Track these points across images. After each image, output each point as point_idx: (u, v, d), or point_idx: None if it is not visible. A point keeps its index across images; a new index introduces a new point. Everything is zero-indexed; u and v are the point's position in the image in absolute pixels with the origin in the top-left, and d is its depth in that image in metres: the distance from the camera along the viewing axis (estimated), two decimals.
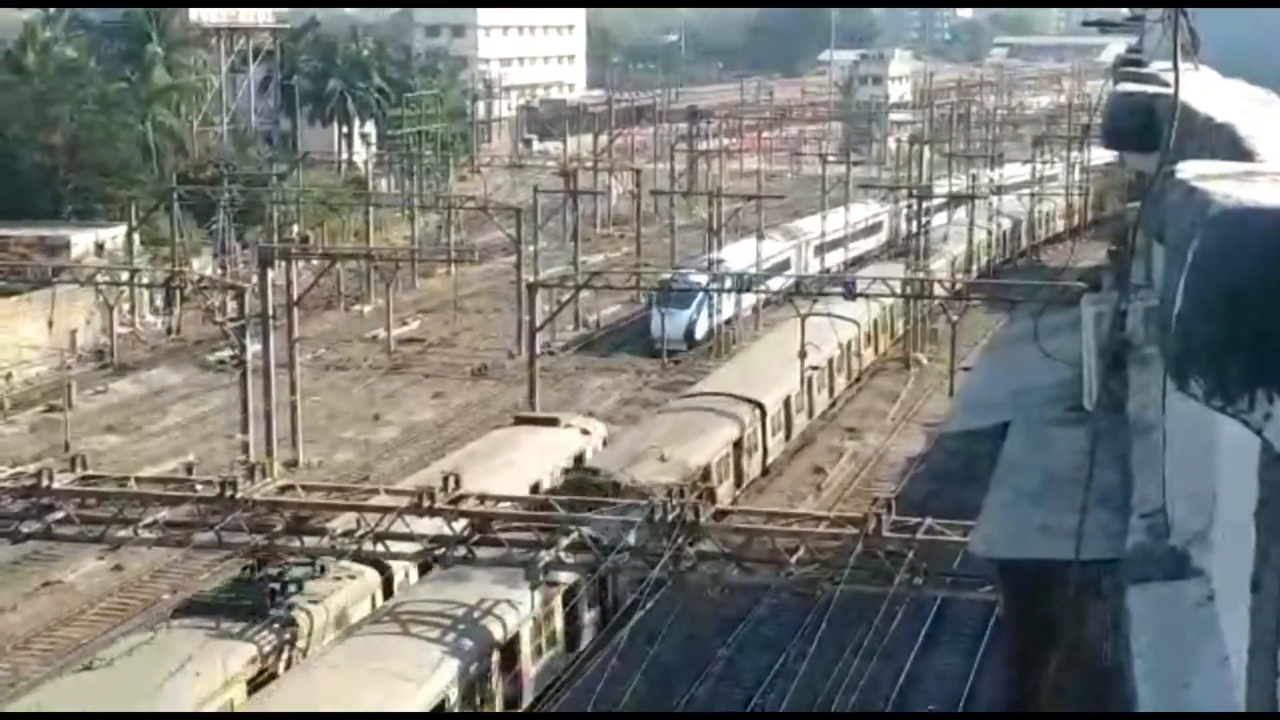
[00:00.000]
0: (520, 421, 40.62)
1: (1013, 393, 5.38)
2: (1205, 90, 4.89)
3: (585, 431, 39.68)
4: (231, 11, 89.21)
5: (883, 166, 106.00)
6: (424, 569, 29.32)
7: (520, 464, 35.40)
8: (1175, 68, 3.86)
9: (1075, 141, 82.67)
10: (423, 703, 24.69)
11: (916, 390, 56.25)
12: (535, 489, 33.07)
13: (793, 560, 26.00)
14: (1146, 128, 4.65)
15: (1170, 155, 3.74)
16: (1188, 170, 3.10)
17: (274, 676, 25.23)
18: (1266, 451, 2.59)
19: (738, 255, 63.29)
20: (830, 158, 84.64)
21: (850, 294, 47.80)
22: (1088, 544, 3.68)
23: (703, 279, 56.54)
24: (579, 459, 36.40)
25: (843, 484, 45.86)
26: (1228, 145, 3.62)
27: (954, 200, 73.77)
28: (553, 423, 39.67)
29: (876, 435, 51.01)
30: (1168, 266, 2.73)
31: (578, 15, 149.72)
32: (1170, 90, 3.94)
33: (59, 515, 27.34)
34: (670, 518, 25.92)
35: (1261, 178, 3.08)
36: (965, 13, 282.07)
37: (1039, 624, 4.36)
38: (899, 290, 51.05)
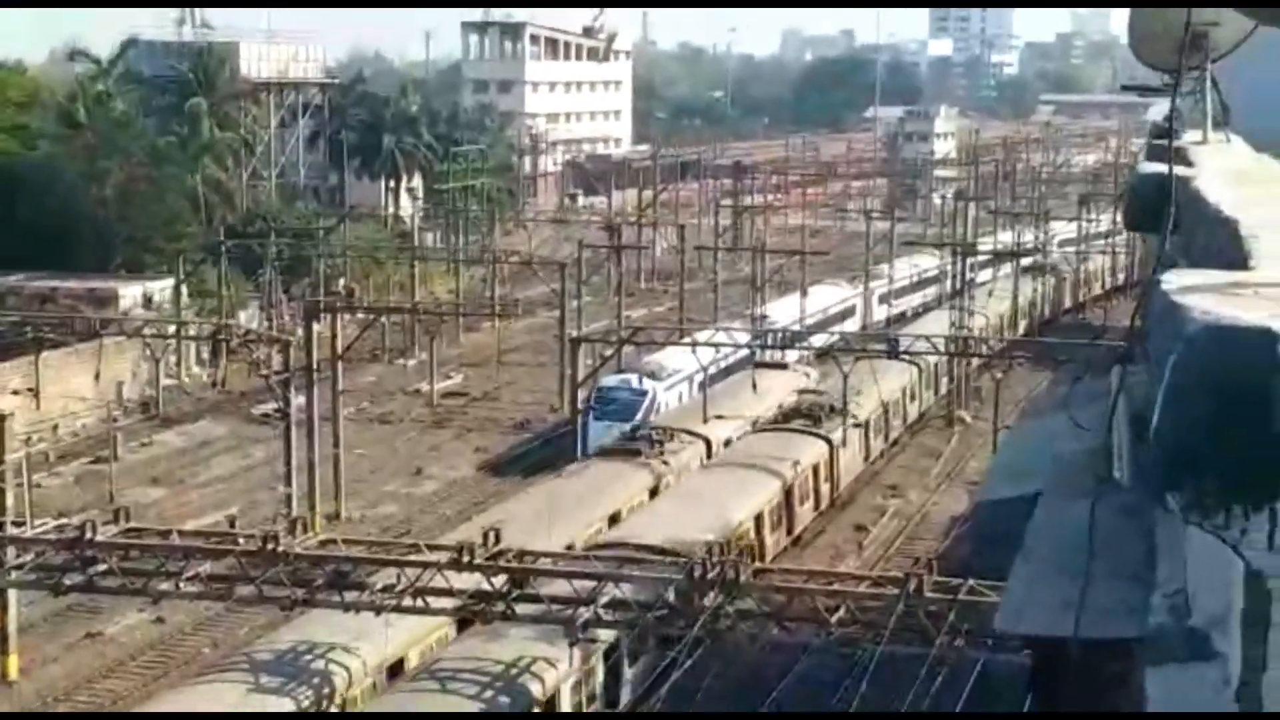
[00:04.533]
0: (759, 366, 53.17)
1: (1046, 461, 5.36)
2: (1224, 171, 4.87)
3: (806, 374, 54.81)
4: (281, 67, 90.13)
5: (927, 223, 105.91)
6: (462, 625, 29.36)
7: (770, 392, 50.71)
8: (1170, 163, 3.86)
9: (1121, 199, 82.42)
10: None
11: (960, 448, 55.99)
12: (780, 408, 48.24)
13: (833, 620, 25.85)
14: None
15: (1179, 242, 3.74)
16: (1173, 281, 3.09)
17: None
18: (1246, 566, 2.58)
19: (782, 311, 63.32)
20: (875, 214, 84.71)
21: (894, 352, 47.71)
22: (1111, 622, 3.66)
23: (647, 385, 52.19)
24: (803, 390, 51.21)
25: (885, 542, 45.63)
26: (1229, 242, 3.61)
27: (999, 257, 73.64)
28: (783, 367, 54.69)
29: (919, 493, 50.76)
30: (1149, 378, 2.73)
31: (624, 71, 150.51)
32: (1191, 172, 3.93)
33: (102, 567, 27.44)
34: (710, 575, 25.82)
35: (1246, 289, 3.07)
36: (1011, 69, 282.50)
37: (1062, 701, 4.32)
38: (942, 348, 50.88)
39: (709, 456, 44.79)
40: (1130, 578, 3.92)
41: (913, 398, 56.36)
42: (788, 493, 41.96)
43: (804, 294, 65.85)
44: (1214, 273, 3.24)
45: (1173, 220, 3.76)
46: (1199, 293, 2.93)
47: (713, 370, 50.72)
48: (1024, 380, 60.09)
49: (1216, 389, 2.42)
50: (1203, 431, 2.38)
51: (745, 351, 54.35)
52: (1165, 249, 3.79)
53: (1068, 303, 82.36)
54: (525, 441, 56.72)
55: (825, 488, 45.53)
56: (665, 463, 42.78)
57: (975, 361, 56.83)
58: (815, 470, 44.49)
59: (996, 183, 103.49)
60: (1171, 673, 3.07)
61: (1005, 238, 78.59)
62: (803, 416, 46.94)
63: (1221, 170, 4.73)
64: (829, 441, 45.81)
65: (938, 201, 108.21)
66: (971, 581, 25.44)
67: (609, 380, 52.32)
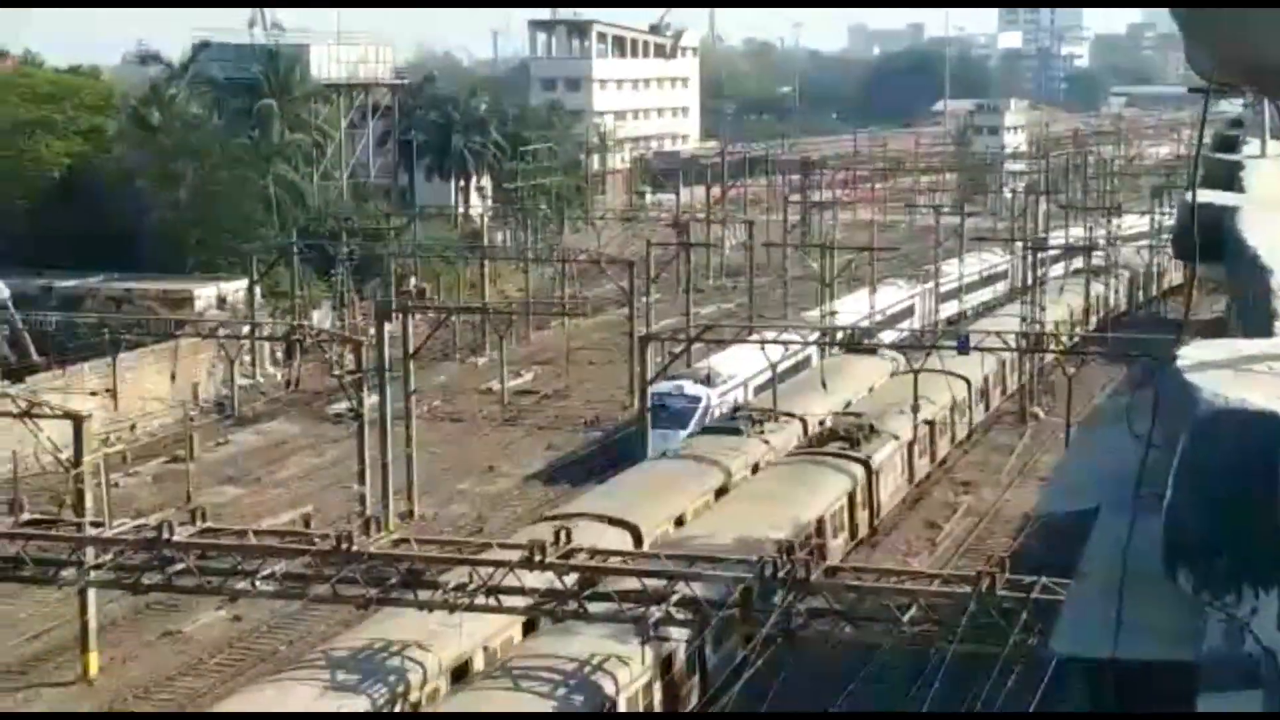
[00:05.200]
0: (849, 351, 54.50)
1: (1105, 474, 5.37)
2: (1271, 198, 4.88)
3: (894, 359, 54.33)
4: (351, 68, 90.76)
5: (998, 217, 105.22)
6: (529, 626, 29.62)
7: (860, 375, 53.10)
8: (1194, 204, 3.89)
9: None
10: None
11: (1033, 444, 55.65)
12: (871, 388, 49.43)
13: (905, 618, 25.81)
14: (1213, 242, 4.65)
15: (1222, 272, 3.76)
16: (1188, 356, 3.13)
17: None
18: (1257, 642, 2.61)
19: (853, 307, 63.16)
20: (945, 209, 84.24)
21: (964, 348, 47.47)
22: (1163, 645, 3.68)
23: (701, 391, 51.79)
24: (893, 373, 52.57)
25: (957, 540, 45.45)
26: (1262, 295, 3.64)
27: (1071, 252, 73.08)
28: (873, 352, 55.38)
29: (991, 490, 50.51)
30: (1165, 453, 2.78)
31: (691, 67, 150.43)
32: (1238, 199, 3.96)
33: (179, 567, 27.80)
34: (780, 574, 25.85)
35: (1260, 365, 3.10)
36: (1081, 62, 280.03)
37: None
38: (1013, 344, 50.57)
39: (804, 435, 46.18)
40: (1185, 601, 3.93)
41: (962, 414, 53.45)
42: (818, 524, 39.01)
43: (873, 289, 65.72)
44: (1233, 344, 3.26)
45: (1208, 248, 3.78)
46: (1212, 369, 2.97)
47: (782, 368, 50.52)
48: (1098, 375, 59.66)
49: (1225, 472, 2.46)
50: (1212, 514, 2.43)
51: (813, 349, 54.54)
52: (1193, 294, 3.81)
53: (1142, 296, 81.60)
54: (595, 441, 56.87)
55: (863, 515, 42.68)
56: (765, 441, 44.81)
57: (1048, 356, 56.36)
58: (850, 499, 41.50)
59: (1067, 176, 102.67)
60: (1226, 699, 3.09)
61: (1077, 232, 77.92)
62: (839, 439, 44.09)
63: (1269, 198, 4.73)
64: (867, 466, 43.02)
65: (1008, 196, 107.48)
66: (1044, 579, 25.32)
67: (661, 386, 50.72)
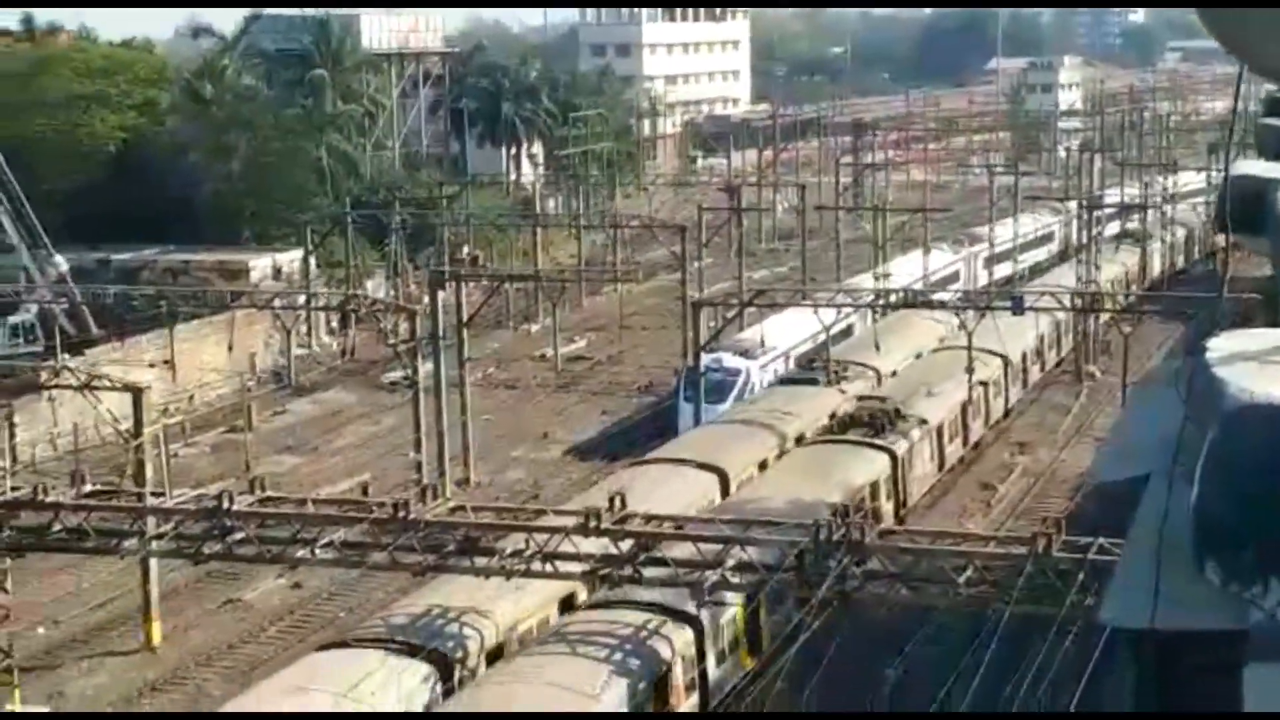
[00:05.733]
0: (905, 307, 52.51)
1: (1156, 440, 5.36)
2: None
3: (939, 322, 53.25)
4: (401, 37, 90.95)
5: (1053, 176, 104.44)
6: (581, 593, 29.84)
7: (914, 337, 52.62)
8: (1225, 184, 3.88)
9: (1251, 148, 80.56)
10: None
11: (1089, 404, 55.37)
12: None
13: (961, 580, 25.79)
14: (1256, 214, 4.63)
15: (1271, 245, 3.76)
16: (1218, 348, 3.13)
17: None
18: None
19: (904, 269, 62.88)
20: (998, 168, 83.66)
21: (1019, 309, 47.18)
22: (1210, 615, 3.69)
23: (741, 363, 50.41)
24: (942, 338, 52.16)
25: (1013, 501, 45.31)
26: None
27: (1126, 210, 72.45)
28: (943, 304, 52.13)
29: (1047, 450, 50.29)
30: (1195, 445, 2.78)
31: (742, 30, 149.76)
32: None
33: (239, 536, 28.10)
34: (835, 537, 25.88)
35: None
36: (1136, 16, 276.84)
37: (1162, 689, 4.35)
38: (1068, 303, 50.21)
39: (879, 385, 46.80)
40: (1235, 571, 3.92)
41: (998, 393, 50.86)
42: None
43: (926, 251, 65.42)
44: (1265, 334, 3.25)
45: (1252, 221, 3.77)
46: (1242, 362, 2.97)
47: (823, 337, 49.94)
48: (1155, 333, 59.27)
49: (1252, 466, 2.47)
50: (1239, 506, 2.44)
51: (855, 320, 54.50)
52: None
53: (1198, 253, 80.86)
54: (649, 406, 56.96)
55: (888, 507, 39.63)
56: (842, 390, 45.29)
57: (1104, 316, 55.94)
58: (873, 489, 38.76)
59: (1122, 133, 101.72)
60: (1273, 670, 3.10)
61: (1133, 191, 77.21)
62: (862, 426, 41.21)
63: None
64: (892, 454, 40.18)
65: (1062, 154, 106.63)
66: (1101, 540, 25.24)
67: (702, 359, 49.60)
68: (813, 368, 47.84)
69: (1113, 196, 74.47)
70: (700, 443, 40.36)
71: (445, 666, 26.64)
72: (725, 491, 36.73)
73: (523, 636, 28.51)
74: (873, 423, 41.03)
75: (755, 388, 49.63)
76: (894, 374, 48.49)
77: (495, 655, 27.87)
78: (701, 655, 28.61)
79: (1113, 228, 72.29)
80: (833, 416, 42.04)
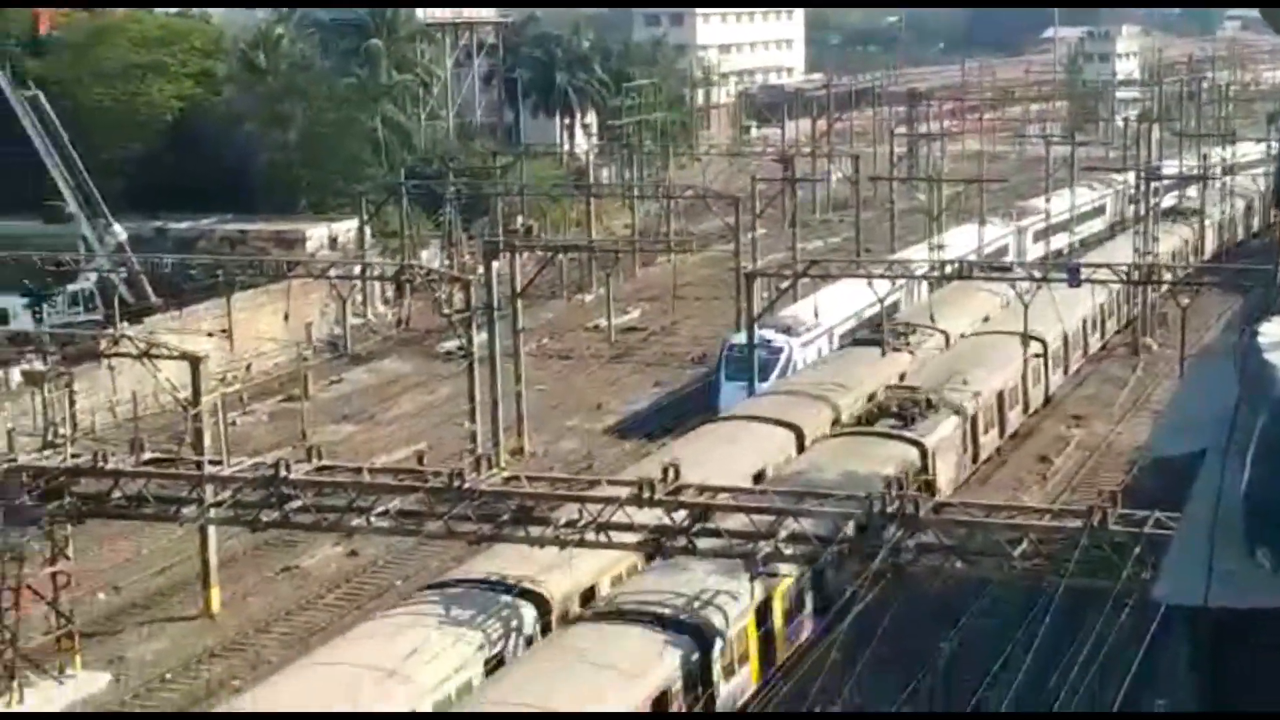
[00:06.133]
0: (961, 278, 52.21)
1: (1213, 415, 5.36)
2: None
3: (995, 294, 52.94)
4: (455, 8, 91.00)
5: (1110, 146, 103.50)
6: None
7: (970, 310, 52.22)
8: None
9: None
10: (642, 695, 25.13)
11: (1146, 377, 55.00)
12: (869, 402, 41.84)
13: (1015, 553, 25.74)
14: None
15: None
16: (1270, 333, 3.13)
17: None
18: None
19: (959, 241, 62.56)
20: (1055, 138, 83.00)
21: (1075, 280, 46.90)
22: (1268, 595, 3.71)
23: (782, 341, 49.38)
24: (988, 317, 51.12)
25: (1068, 474, 45.10)
26: None
27: (1184, 181, 71.77)
28: (1008, 268, 52.42)
29: (1103, 423, 50.01)
30: (1249, 424, 2.78)
31: None
32: None
33: (296, 504, 28.34)
34: (889, 510, 25.87)
35: None
36: None
37: (1219, 664, 4.37)
38: (1125, 275, 49.82)
39: (947, 347, 48.01)
40: None
41: (1036, 380, 48.97)
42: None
43: (983, 222, 65.06)
44: None
45: None
46: None
47: (872, 311, 49.95)
48: (1213, 305, 58.75)
49: None
50: None
51: (900, 295, 54.43)
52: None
53: (1258, 225, 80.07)
54: (702, 378, 56.99)
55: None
56: (911, 352, 46.59)
57: (1162, 288, 55.45)
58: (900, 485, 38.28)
59: (1181, 103, 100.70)
60: None
61: (1192, 161, 76.48)
62: (891, 416, 39.28)
63: None
64: (921, 447, 37.93)
65: (1120, 124, 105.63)
66: (1158, 514, 25.11)
67: (741, 337, 49.52)
68: (880, 331, 48.01)
69: (1171, 167, 73.77)
70: (776, 401, 41.43)
71: (501, 635, 26.90)
72: (800, 448, 37.40)
73: (580, 604, 28.72)
74: (902, 413, 39.19)
75: (797, 365, 48.90)
76: (962, 336, 49.27)
77: (588, 596, 28.30)
78: (758, 623, 28.70)
79: (1168, 201, 71.60)
80: (871, 398, 41.43)
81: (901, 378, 43.79)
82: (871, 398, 41.46)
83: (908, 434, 37.84)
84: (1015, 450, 46.55)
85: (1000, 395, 45.18)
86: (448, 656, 25.59)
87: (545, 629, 27.60)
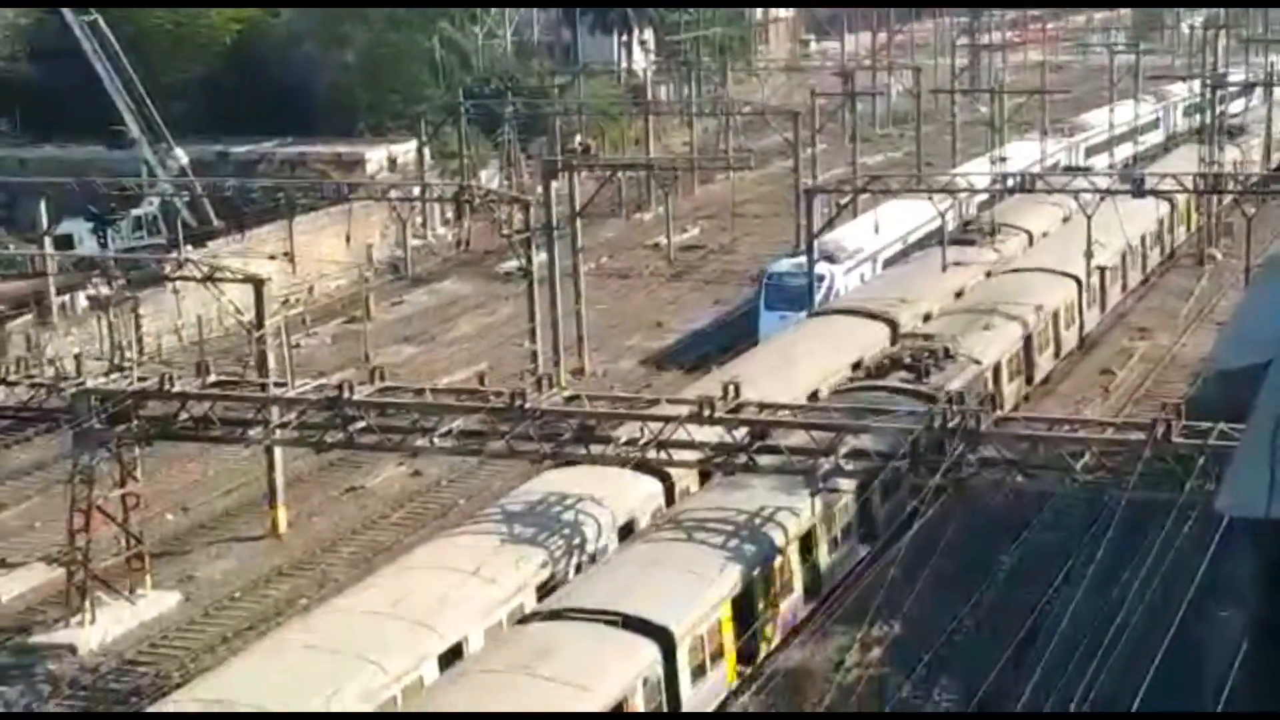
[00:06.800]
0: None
1: (1278, 329, 5.31)
2: None
3: (1058, 206, 52.24)
4: None
5: (1175, 54, 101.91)
6: (704, 477, 30.05)
7: (1035, 221, 52.57)
8: None
9: None
10: (714, 598, 25.33)
11: (1211, 288, 54.43)
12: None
13: (1078, 466, 25.65)
14: None
15: None
16: None
17: None
18: None
19: (1019, 154, 61.91)
20: (1119, 47, 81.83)
21: (1139, 191, 46.31)
22: None
23: (824, 268, 47.39)
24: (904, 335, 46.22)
25: (1131, 387, 44.82)
26: None
27: (1249, 88, 70.64)
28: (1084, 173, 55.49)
29: (1168, 335, 49.60)
30: None
31: None
32: None
33: (360, 425, 28.59)
34: (951, 424, 25.80)
35: None
36: None
37: (1273, 576, 4.35)
38: (1189, 185, 49.18)
39: (1030, 246, 50.26)
40: None
41: (1070, 323, 45.38)
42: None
43: (1044, 135, 64.36)
44: None
45: None
46: None
47: (923, 232, 51.12)
48: (1279, 216, 57.94)
49: None
50: None
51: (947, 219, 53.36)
52: None
53: None
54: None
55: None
56: (997, 250, 48.59)
57: (1227, 198, 54.73)
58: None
59: (1248, 9, 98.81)
60: None
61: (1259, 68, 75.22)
62: (902, 369, 35.15)
63: None
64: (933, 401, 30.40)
65: (1186, 31, 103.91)
66: (1221, 426, 24.92)
67: (781, 265, 48.69)
68: (969, 230, 50.77)
69: (1237, 75, 72.59)
70: (871, 295, 43.73)
71: (564, 553, 27.17)
72: (894, 339, 39.02)
73: (641, 522, 28.89)
74: (915, 365, 35.12)
75: (839, 293, 47.29)
76: (1045, 235, 51.34)
77: (613, 540, 28.36)
78: (818, 539, 28.77)
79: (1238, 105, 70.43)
80: (885, 349, 37.82)
81: (987, 274, 46.24)
82: (960, 294, 44.20)
83: (920, 388, 33.18)
84: (1079, 363, 46.27)
85: (1029, 339, 41.65)
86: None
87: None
